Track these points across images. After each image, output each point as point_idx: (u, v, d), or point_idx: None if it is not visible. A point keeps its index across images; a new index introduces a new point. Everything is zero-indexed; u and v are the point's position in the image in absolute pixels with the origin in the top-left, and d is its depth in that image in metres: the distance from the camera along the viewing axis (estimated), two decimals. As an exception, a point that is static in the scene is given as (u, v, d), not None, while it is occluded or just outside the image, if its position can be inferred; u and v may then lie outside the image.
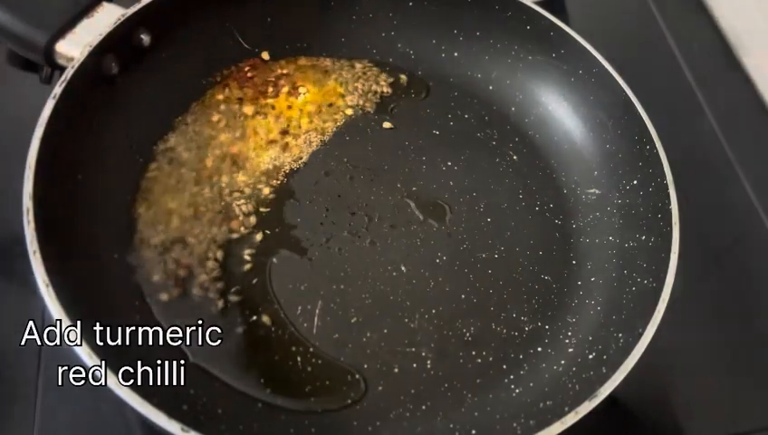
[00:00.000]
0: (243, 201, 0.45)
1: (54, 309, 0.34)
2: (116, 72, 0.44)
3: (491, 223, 0.46)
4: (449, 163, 0.49)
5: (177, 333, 0.39)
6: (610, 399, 0.36)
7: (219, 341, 0.39)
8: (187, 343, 0.39)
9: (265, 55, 0.51)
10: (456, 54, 0.53)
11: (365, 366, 0.40)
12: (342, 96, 0.51)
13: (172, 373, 0.37)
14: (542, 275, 0.45)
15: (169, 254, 0.42)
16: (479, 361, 0.41)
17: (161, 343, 0.39)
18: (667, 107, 0.57)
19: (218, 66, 0.50)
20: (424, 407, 0.39)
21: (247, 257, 0.43)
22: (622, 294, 0.43)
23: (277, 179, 0.46)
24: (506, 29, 0.51)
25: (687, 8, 0.68)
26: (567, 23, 0.49)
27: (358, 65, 0.52)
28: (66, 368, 0.41)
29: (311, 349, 0.40)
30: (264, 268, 0.42)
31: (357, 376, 0.40)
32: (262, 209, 0.45)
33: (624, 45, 0.62)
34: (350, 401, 0.39)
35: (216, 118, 0.48)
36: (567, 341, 0.42)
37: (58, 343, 0.34)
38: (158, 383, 0.36)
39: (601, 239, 0.46)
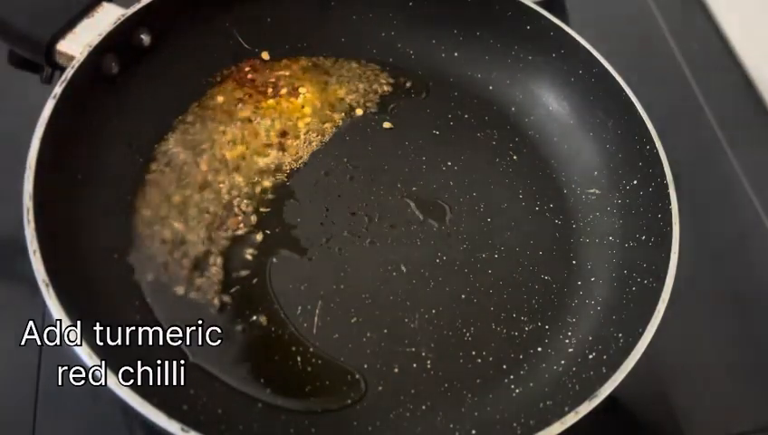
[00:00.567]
0: (243, 201, 0.45)
1: (54, 309, 0.34)
2: (116, 72, 0.44)
3: (491, 223, 0.46)
4: (449, 163, 0.49)
5: (177, 332, 0.39)
6: (610, 399, 0.36)
7: (219, 341, 0.39)
8: (187, 343, 0.39)
9: (265, 55, 0.51)
10: (456, 54, 0.53)
11: (365, 366, 0.40)
12: (342, 96, 0.51)
13: (172, 373, 0.37)
14: (541, 275, 0.45)
15: (169, 254, 0.42)
16: (479, 361, 0.41)
17: (161, 343, 0.39)
18: (667, 107, 0.57)
19: (218, 66, 0.50)
20: (424, 407, 0.39)
21: (247, 257, 0.43)
22: (622, 294, 0.43)
23: (277, 179, 0.46)
24: (506, 29, 0.51)
25: (688, 8, 0.68)
26: (567, 23, 0.49)
27: (358, 65, 0.52)
28: (66, 368, 0.41)
29: (311, 349, 0.40)
30: (263, 268, 0.42)
31: (357, 376, 0.40)
32: (262, 209, 0.45)
33: (624, 45, 0.62)
34: (350, 401, 0.39)
35: (215, 118, 0.48)
36: (567, 341, 0.42)
37: (58, 343, 0.34)
38: (158, 383, 0.36)
39: (601, 239, 0.46)
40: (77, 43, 0.42)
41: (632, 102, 0.46)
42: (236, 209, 0.44)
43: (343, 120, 0.50)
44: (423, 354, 0.41)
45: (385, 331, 0.41)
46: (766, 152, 0.58)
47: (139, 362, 0.36)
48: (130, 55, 0.45)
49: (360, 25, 0.53)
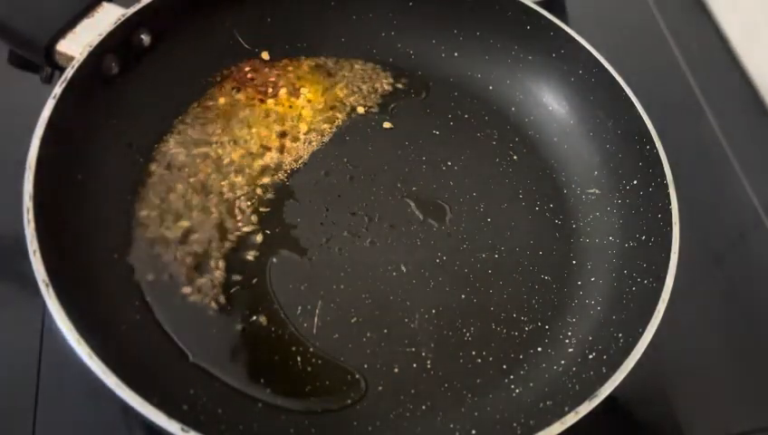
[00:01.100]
0: (243, 201, 0.45)
1: (54, 309, 0.33)
2: (116, 73, 0.44)
3: (491, 223, 0.47)
4: (449, 163, 0.49)
5: (177, 332, 0.39)
6: (610, 399, 0.36)
7: (219, 341, 0.39)
8: (187, 342, 0.39)
9: (265, 55, 0.51)
10: (456, 54, 0.53)
11: (365, 366, 0.40)
12: (342, 96, 0.51)
13: (172, 373, 0.37)
14: (541, 275, 0.45)
15: (170, 254, 0.42)
16: (479, 361, 0.41)
17: (161, 342, 0.39)
18: (667, 107, 0.57)
19: (218, 66, 0.50)
20: (424, 407, 0.39)
21: (247, 257, 0.43)
22: (622, 293, 0.43)
23: (277, 179, 0.46)
24: (506, 29, 0.51)
25: (687, 8, 0.68)
26: (567, 23, 0.50)
27: (358, 65, 0.52)
28: (66, 368, 0.41)
29: (311, 349, 0.40)
30: (263, 268, 0.42)
31: (357, 376, 0.40)
32: (262, 209, 0.45)
33: (624, 45, 0.62)
34: (350, 401, 0.39)
35: (215, 118, 0.48)
36: (567, 341, 0.42)
37: (58, 343, 0.34)
38: (158, 383, 0.36)
39: (601, 239, 0.46)
40: (77, 44, 0.42)
41: (632, 102, 0.46)
42: (236, 210, 0.44)
43: (343, 121, 0.50)
44: (423, 354, 0.41)
45: (385, 331, 0.41)
46: (766, 152, 0.58)
47: (139, 362, 0.36)
48: (130, 55, 0.45)
49: (359, 25, 0.53)
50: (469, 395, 0.40)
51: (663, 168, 0.44)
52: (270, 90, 0.50)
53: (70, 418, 0.41)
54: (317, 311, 0.41)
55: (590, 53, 0.48)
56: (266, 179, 0.46)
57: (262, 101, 0.49)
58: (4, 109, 0.52)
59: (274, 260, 0.43)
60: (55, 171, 0.39)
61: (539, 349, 0.42)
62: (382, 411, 0.39)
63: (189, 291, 0.41)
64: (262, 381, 0.39)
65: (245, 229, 0.44)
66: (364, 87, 0.51)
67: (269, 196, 0.45)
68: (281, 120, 0.49)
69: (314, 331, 0.41)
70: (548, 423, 0.35)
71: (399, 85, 0.52)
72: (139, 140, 0.45)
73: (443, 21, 0.52)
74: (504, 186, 0.48)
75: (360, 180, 0.47)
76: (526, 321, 0.43)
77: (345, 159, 0.48)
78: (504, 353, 0.42)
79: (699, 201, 0.52)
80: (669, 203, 0.43)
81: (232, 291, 0.41)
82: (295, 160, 0.47)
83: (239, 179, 0.45)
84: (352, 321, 0.41)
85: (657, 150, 0.44)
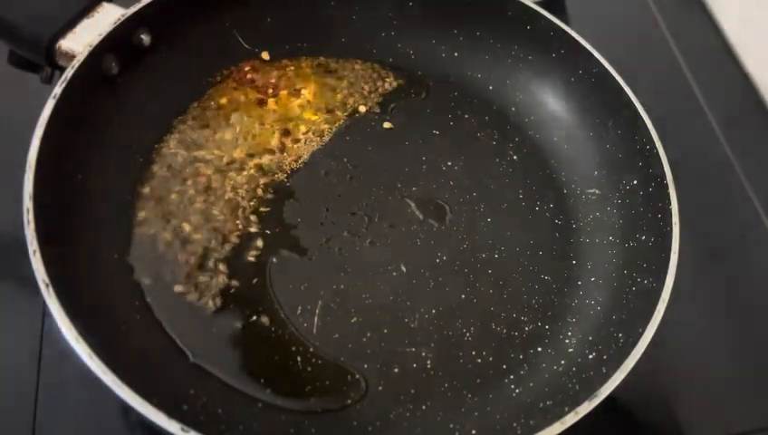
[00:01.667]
0: (243, 201, 0.45)
1: (54, 309, 0.33)
2: (116, 72, 0.44)
3: (491, 223, 0.47)
4: (449, 163, 0.49)
5: (177, 332, 0.39)
6: (610, 399, 0.36)
7: (219, 341, 0.39)
8: (187, 342, 0.39)
9: (265, 55, 0.51)
10: (456, 54, 0.53)
11: (365, 366, 0.40)
12: (342, 96, 0.51)
13: (172, 373, 0.37)
14: (541, 275, 0.45)
15: (169, 254, 0.42)
16: (479, 361, 0.41)
17: (161, 342, 0.39)
18: (667, 107, 0.57)
19: (218, 66, 0.50)
20: (424, 407, 0.39)
21: (247, 258, 0.43)
22: (622, 294, 0.43)
23: (277, 179, 0.46)
24: (506, 29, 0.51)
25: (687, 8, 0.68)
26: (567, 23, 0.50)
27: (358, 65, 0.52)
28: (66, 368, 0.41)
29: (311, 349, 0.40)
30: (264, 268, 0.42)
31: (357, 376, 0.40)
32: (262, 209, 0.45)
33: (624, 45, 0.62)
34: (350, 401, 0.39)
35: (215, 118, 0.48)
36: (567, 341, 0.42)
37: (58, 343, 0.34)
38: (158, 383, 0.36)
39: (601, 239, 0.46)
40: (77, 43, 0.42)
41: (632, 102, 0.46)
42: (236, 210, 0.44)
43: (343, 121, 0.50)
44: (423, 354, 0.41)
45: (385, 331, 0.41)
46: (766, 152, 0.58)
47: (139, 362, 0.36)
48: (130, 55, 0.45)
49: (359, 25, 0.53)
50: (469, 395, 0.40)
51: (663, 167, 0.44)
52: (270, 90, 0.50)
53: (70, 418, 0.41)
54: (317, 311, 0.41)
55: (591, 53, 0.48)
56: (266, 179, 0.46)
57: (262, 101, 0.49)
58: (4, 108, 0.52)
59: (274, 260, 0.43)
60: (55, 171, 0.39)
61: (539, 349, 0.42)
62: (382, 411, 0.39)
63: (189, 291, 0.41)
64: (262, 381, 0.39)
65: (245, 229, 0.44)
66: (364, 87, 0.51)
67: (269, 196, 0.45)
68: (281, 120, 0.49)
69: (314, 331, 0.41)
70: (548, 423, 0.35)
71: (399, 85, 0.52)
72: (139, 140, 0.45)
73: (443, 21, 0.52)
74: (504, 186, 0.48)
75: (360, 180, 0.47)
76: (526, 321, 0.43)
77: (345, 160, 0.48)
78: (503, 353, 0.42)
79: (699, 201, 0.52)
80: (669, 203, 0.43)
81: (232, 291, 0.41)
82: (295, 160, 0.47)
83: (239, 179, 0.45)
84: (352, 321, 0.41)
85: (657, 150, 0.44)
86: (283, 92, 0.50)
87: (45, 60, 0.43)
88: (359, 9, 0.52)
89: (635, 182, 0.46)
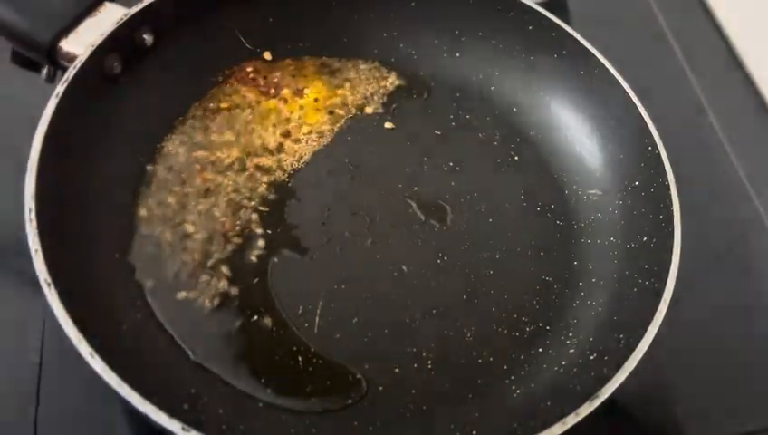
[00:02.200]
0: (244, 201, 0.45)
1: (56, 308, 0.34)
2: (118, 72, 0.44)
3: (492, 223, 0.47)
4: (450, 163, 0.49)
5: (178, 331, 0.39)
6: (611, 400, 0.36)
7: (220, 340, 0.39)
8: (188, 342, 0.39)
9: (267, 55, 0.51)
10: (457, 55, 0.53)
11: (366, 366, 0.40)
12: (344, 96, 0.51)
13: (173, 373, 0.37)
14: (543, 276, 0.45)
15: (170, 253, 0.42)
16: (480, 361, 0.41)
17: (162, 342, 0.39)
18: (668, 107, 0.57)
19: (220, 66, 0.50)
20: (424, 407, 0.39)
21: (248, 257, 0.43)
22: (624, 295, 0.43)
23: (279, 179, 0.46)
24: (508, 29, 0.51)
25: (689, 8, 0.68)
26: (569, 23, 0.49)
27: (360, 65, 0.52)
28: (67, 367, 0.42)
29: (311, 349, 0.40)
30: (265, 268, 0.42)
31: (358, 376, 0.40)
32: (263, 209, 0.45)
33: (626, 46, 0.62)
34: (350, 401, 0.39)
35: (217, 118, 0.48)
36: (568, 341, 0.42)
37: (59, 342, 0.34)
38: (159, 382, 0.36)
39: (603, 240, 0.46)
40: (80, 43, 0.42)
41: (634, 103, 0.46)
42: (237, 209, 0.44)
43: (345, 121, 0.50)
44: (424, 355, 0.41)
45: (386, 331, 0.41)
46: (767, 152, 0.58)
47: (141, 362, 0.37)
48: (133, 55, 0.45)
49: (361, 25, 0.53)
50: (470, 395, 0.40)
51: (665, 168, 0.44)
52: (272, 90, 0.50)
53: (71, 417, 0.41)
54: (318, 311, 0.41)
55: (592, 54, 0.48)
56: (268, 179, 0.46)
57: (264, 101, 0.49)
58: (6, 108, 0.52)
59: (276, 260, 0.43)
60: (57, 170, 0.39)
61: (540, 349, 0.42)
62: (383, 411, 0.39)
63: (190, 290, 0.41)
64: (263, 380, 0.39)
65: (247, 229, 0.44)
66: (366, 87, 0.51)
67: (270, 196, 0.45)
68: (282, 120, 0.49)
69: (315, 331, 0.41)
70: (549, 424, 0.35)
71: (401, 85, 0.52)
72: (140, 140, 0.45)
73: (445, 21, 0.52)
74: (506, 186, 0.48)
75: (361, 180, 0.47)
76: (527, 321, 0.43)
77: (347, 160, 0.48)
78: (504, 354, 0.42)
79: (700, 201, 0.52)
80: (671, 204, 0.43)
81: (233, 291, 0.41)
82: (297, 160, 0.47)
83: (240, 179, 0.45)
84: (353, 321, 0.41)
85: (659, 151, 0.44)
86: (285, 92, 0.50)
87: (48, 59, 0.43)
88: (361, 9, 0.52)
89: (637, 183, 0.46)
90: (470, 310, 0.43)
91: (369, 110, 0.50)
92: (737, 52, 0.64)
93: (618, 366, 0.37)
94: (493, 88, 0.52)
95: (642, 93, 0.47)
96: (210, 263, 0.42)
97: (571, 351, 0.42)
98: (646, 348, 0.37)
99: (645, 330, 0.38)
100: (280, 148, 0.47)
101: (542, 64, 0.51)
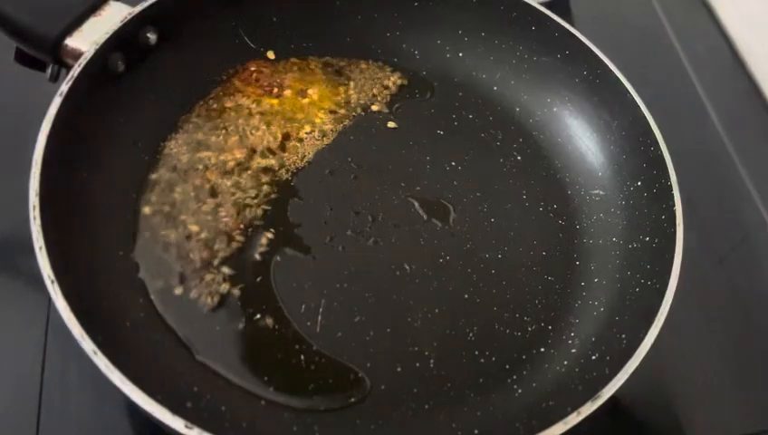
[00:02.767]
0: (247, 200, 0.45)
1: (59, 305, 0.34)
2: (122, 70, 0.44)
3: (494, 223, 0.47)
4: (453, 163, 0.49)
5: (181, 330, 0.39)
6: (613, 400, 0.36)
7: (223, 338, 0.40)
8: (191, 340, 0.39)
9: (271, 55, 0.51)
10: (460, 55, 0.53)
11: (368, 365, 0.40)
12: (347, 96, 0.51)
13: (176, 370, 0.38)
14: (545, 276, 0.45)
15: (174, 251, 0.42)
16: (482, 360, 0.41)
17: (165, 340, 0.39)
18: (671, 108, 0.57)
19: (224, 65, 0.50)
20: (426, 406, 0.39)
21: (251, 256, 0.43)
22: (626, 295, 0.43)
23: (281, 178, 0.46)
24: (511, 30, 0.51)
25: (692, 8, 0.68)
26: (572, 24, 0.50)
27: (363, 65, 0.52)
28: (70, 365, 0.42)
29: (314, 347, 0.40)
30: (267, 267, 0.42)
31: (360, 375, 0.40)
32: (266, 208, 0.45)
33: (629, 46, 0.62)
34: (352, 400, 0.39)
35: (220, 117, 0.48)
36: (570, 341, 0.42)
37: (62, 339, 0.34)
38: (162, 380, 0.36)
39: (605, 240, 0.46)
40: (84, 41, 0.43)
41: (636, 103, 0.46)
42: (241, 208, 0.44)
43: (348, 120, 0.50)
44: (426, 354, 0.41)
45: (388, 330, 0.41)
46: (770, 154, 0.58)
47: (144, 359, 0.37)
48: (137, 54, 0.45)
49: (365, 25, 0.53)
50: (472, 395, 0.40)
51: (667, 169, 0.44)
52: (275, 89, 0.50)
53: (74, 414, 0.41)
54: (320, 309, 0.41)
55: (595, 54, 0.48)
56: (270, 178, 0.46)
57: (267, 100, 0.49)
58: (10, 106, 0.52)
59: (278, 259, 0.43)
60: (61, 168, 0.39)
61: (542, 349, 0.42)
62: (385, 410, 0.39)
63: (194, 289, 0.41)
64: (265, 378, 0.39)
65: (249, 228, 0.44)
66: (369, 87, 0.51)
67: (273, 195, 0.45)
68: (286, 119, 0.49)
69: (317, 329, 0.41)
70: (550, 423, 0.35)
71: (404, 85, 0.52)
72: (144, 138, 0.45)
73: (448, 21, 0.53)
74: (508, 186, 0.48)
75: (363, 180, 0.47)
76: (529, 321, 0.43)
77: (349, 159, 0.48)
78: (506, 353, 0.42)
79: (702, 202, 0.52)
80: (673, 204, 0.43)
81: (236, 289, 0.41)
82: (300, 159, 0.47)
83: (243, 178, 0.46)
84: (355, 320, 0.41)
85: (662, 151, 0.44)
86: (288, 92, 0.50)
87: (52, 58, 0.43)
88: (364, 9, 0.52)
89: (639, 183, 0.46)
90: (472, 309, 0.43)
91: (371, 109, 0.51)
92: (740, 52, 0.64)
93: (619, 366, 0.37)
94: (495, 88, 0.53)
95: (645, 93, 0.47)
96: (213, 261, 0.42)
97: (573, 350, 0.42)
98: (648, 348, 0.37)
99: (647, 330, 0.38)
100: (283, 147, 0.47)
101: (545, 64, 0.51)
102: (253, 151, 0.47)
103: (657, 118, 0.46)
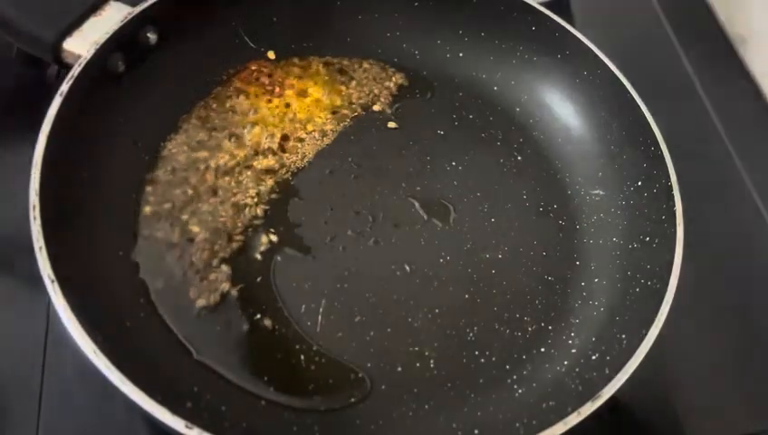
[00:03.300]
0: (247, 200, 0.45)
1: (59, 305, 0.34)
2: (122, 71, 0.44)
3: (495, 223, 0.47)
4: (453, 163, 0.49)
5: (181, 330, 0.39)
6: (613, 400, 0.36)
7: (223, 338, 0.40)
8: (191, 340, 0.39)
9: (271, 55, 0.51)
10: (461, 55, 0.53)
11: (368, 365, 0.40)
12: (347, 96, 0.51)
13: (176, 370, 0.38)
14: (545, 276, 0.45)
15: (174, 252, 0.42)
16: (482, 361, 0.41)
17: (165, 340, 0.39)
18: (671, 108, 0.56)
19: (224, 65, 0.50)
20: (427, 406, 0.39)
21: (252, 256, 0.43)
22: (626, 295, 0.43)
23: (282, 178, 0.46)
24: (511, 30, 0.51)
25: (692, 9, 0.68)
26: (572, 24, 0.50)
27: (363, 65, 0.52)
28: (70, 365, 0.42)
29: (314, 347, 0.40)
30: (268, 267, 0.42)
31: (360, 375, 0.40)
32: (266, 208, 0.45)
33: (628, 46, 0.62)
34: (353, 400, 0.39)
35: (221, 117, 0.48)
36: (570, 341, 0.42)
37: (62, 340, 0.34)
38: (162, 380, 0.36)
39: (605, 240, 0.46)
40: (84, 42, 0.43)
41: (637, 103, 0.46)
42: (241, 208, 0.44)
43: (348, 120, 0.50)
44: (426, 354, 0.41)
45: (388, 330, 0.41)
46: (771, 154, 0.58)
47: (143, 359, 0.37)
48: (137, 54, 0.45)
49: (365, 25, 0.53)
50: (472, 395, 0.40)
51: (667, 169, 0.44)
52: (276, 89, 0.50)
53: (74, 414, 0.41)
54: (321, 309, 0.41)
55: (595, 54, 0.48)
56: (271, 178, 0.46)
57: (267, 100, 0.49)
58: (10, 107, 0.52)
59: (279, 259, 0.43)
60: (61, 168, 0.39)
61: (542, 349, 0.42)
62: (385, 410, 0.39)
63: (194, 289, 0.41)
64: (265, 378, 0.39)
65: (250, 228, 0.44)
66: (369, 87, 0.51)
67: (274, 195, 0.45)
68: (286, 119, 0.49)
69: (318, 329, 0.41)
70: (551, 423, 0.35)
71: (404, 85, 0.52)
72: (144, 138, 0.45)
73: (448, 21, 0.53)
74: (508, 186, 0.48)
75: (364, 180, 0.47)
76: (529, 321, 0.43)
77: (350, 159, 0.48)
78: (507, 353, 0.42)
79: (702, 202, 0.52)
80: (674, 204, 0.43)
81: (236, 289, 0.41)
82: (300, 159, 0.47)
83: (244, 178, 0.46)
84: (356, 320, 0.41)
85: (662, 151, 0.44)
86: (289, 92, 0.50)
87: (52, 58, 0.43)
88: (364, 9, 0.52)
89: (639, 183, 0.46)
90: (472, 309, 0.43)
91: (372, 109, 0.51)
92: (741, 52, 0.64)
93: (620, 366, 0.37)
94: (495, 88, 0.53)
95: (645, 94, 0.47)
96: (214, 261, 0.42)
97: (573, 350, 0.42)
98: (648, 348, 0.37)
99: (647, 330, 0.38)
100: (283, 147, 0.47)
101: (545, 64, 0.51)
102: (253, 151, 0.47)
103: (657, 118, 0.46)
